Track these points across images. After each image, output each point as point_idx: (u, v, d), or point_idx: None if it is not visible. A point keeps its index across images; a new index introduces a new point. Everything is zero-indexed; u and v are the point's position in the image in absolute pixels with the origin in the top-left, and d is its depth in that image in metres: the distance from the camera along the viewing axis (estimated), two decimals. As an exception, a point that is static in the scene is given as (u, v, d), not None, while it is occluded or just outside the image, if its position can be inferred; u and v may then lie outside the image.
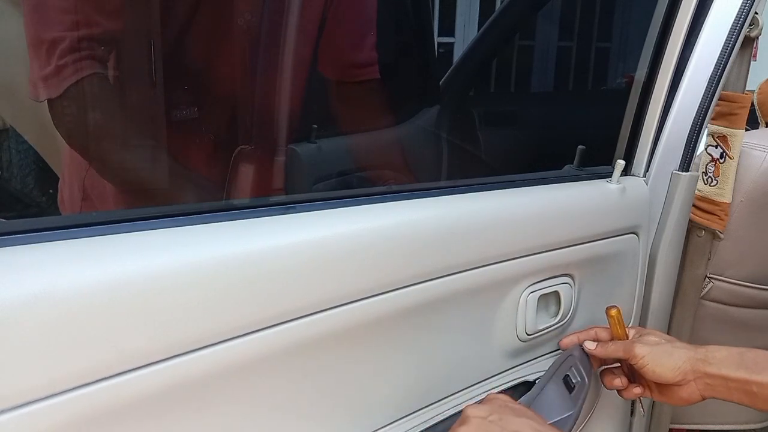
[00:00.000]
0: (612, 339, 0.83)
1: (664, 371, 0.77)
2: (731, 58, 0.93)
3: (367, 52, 1.11)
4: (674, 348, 0.79)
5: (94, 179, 0.92)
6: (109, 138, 0.89)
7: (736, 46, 0.93)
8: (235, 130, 0.99)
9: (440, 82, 1.70)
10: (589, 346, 0.82)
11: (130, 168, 0.90)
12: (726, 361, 0.75)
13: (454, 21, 3.55)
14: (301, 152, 1.04)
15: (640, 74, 0.97)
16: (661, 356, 0.77)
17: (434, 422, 0.77)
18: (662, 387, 0.79)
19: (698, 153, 1.00)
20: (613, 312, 0.82)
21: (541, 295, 0.85)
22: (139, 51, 0.88)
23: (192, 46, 0.94)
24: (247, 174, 0.95)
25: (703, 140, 1.00)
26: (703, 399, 0.77)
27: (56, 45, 0.81)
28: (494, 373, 0.85)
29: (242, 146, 0.96)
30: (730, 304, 1.10)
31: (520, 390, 0.86)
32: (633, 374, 0.83)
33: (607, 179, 0.92)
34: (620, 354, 0.80)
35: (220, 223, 0.60)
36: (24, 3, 0.84)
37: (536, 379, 0.85)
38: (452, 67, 1.75)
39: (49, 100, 0.84)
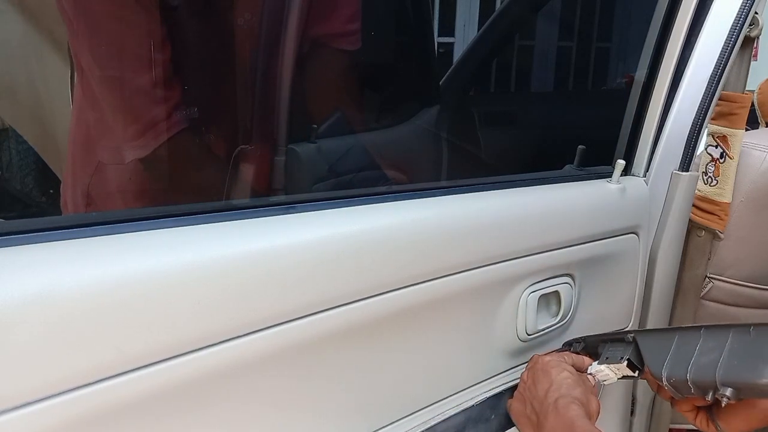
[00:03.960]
0: None
1: None
2: (731, 58, 0.93)
3: (346, 23, 1.09)
4: None
5: (99, 185, 0.92)
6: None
7: (736, 46, 0.93)
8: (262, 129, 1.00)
9: (440, 82, 1.70)
10: None
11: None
12: None
13: (454, 21, 3.55)
14: (301, 152, 1.04)
15: (640, 74, 0.97)
16: None
17: (435, 422, 0.77)
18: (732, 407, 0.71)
19: (698, 153, 1.00)
20: None
21: (541, 295, 0.85)
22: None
23: (208, 48, 0.94)
24: (249, 173, 0.95)
25: (703, 140, 1.00)
26: None
27: (140, 100, 0.81)
28: (495, 373, 0.85)
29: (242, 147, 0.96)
30: (730, 304, 1.10)
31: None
32: None
33: (607, 179, 0.92)
34: None
35: (220, 223, 0.60)
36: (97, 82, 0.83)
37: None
38: (452, 67, 1.76)
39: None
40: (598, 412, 0.74)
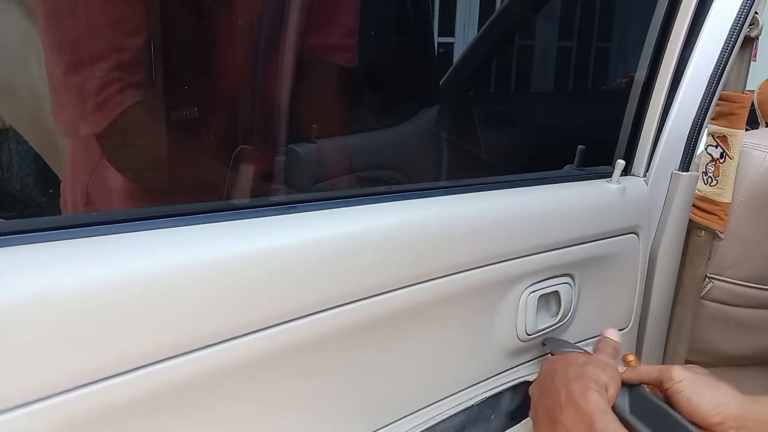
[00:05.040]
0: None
1: (703, 403, 0.63)
2: (731, 58, 0.93)
3: (342, 36, 1.09)
4: (720, 384, 0.65)
5: (98, 183, 0.92)
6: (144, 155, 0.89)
7: (736, 46, 0.93)
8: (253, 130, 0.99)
9: (440, 82, 1.70)
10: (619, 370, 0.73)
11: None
12: None
13: (454, 21, 3.55)
14: (300, 152, 1.04)
15: (640, 74, 0.97)
16: (703, 386, 0.65)
17: (435, 422, 0.77)
18: None
19: (698, 153, 1.00)
20: (630, 358, 0.75)
21: (541, 295, 0.85)
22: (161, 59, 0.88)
23: (201, 47, 0.94)
24: (247, 174, 0.95)
25: (703, 140, 1.00)
26: None
27: (91, 80, 0.81)
28: (495, 373, 0.85)
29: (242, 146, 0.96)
30: (730, 304, 1.10)
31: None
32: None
33: (607, 179, 0.92)
34: (654, 375, 0.70)
35: (221, 223, 0.60)
36: (46, 43, 0.83)
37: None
38: (452, 67, 1.76)
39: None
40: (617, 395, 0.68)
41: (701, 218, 1.03)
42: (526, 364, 0.89)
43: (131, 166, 0.90)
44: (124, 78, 0.82)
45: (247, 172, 0.95)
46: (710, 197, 1.02)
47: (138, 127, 0.87)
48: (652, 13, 0.96)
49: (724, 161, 1.00)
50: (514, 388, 0.86)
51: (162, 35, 0.87)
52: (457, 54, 1.86)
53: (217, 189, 0.93)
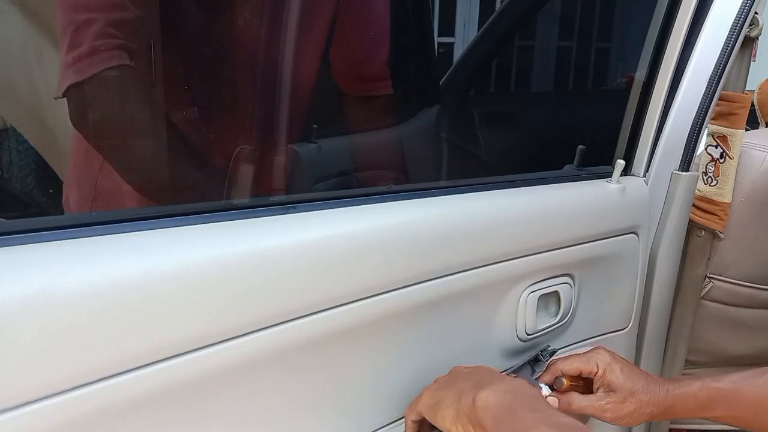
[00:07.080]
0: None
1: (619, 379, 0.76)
2: (731, 58, 0.93)
3: (379, 66, 1.09)
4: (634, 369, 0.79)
5: (108, 179, 0.91)
6: (125, 133, 0.88)
7: (736, 46, 0.93)
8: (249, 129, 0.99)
9: (440, 82, 1.70)
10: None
11: (141, 166, 0.89)
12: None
13: (454, 21, 3.55)
14: (301, 152, 1.04)
15: (640, 74, 0.97)
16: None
17: (434, 422, 0.77)
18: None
19: (698, 153, 1.00)
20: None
21: (541, 295, 0.85)
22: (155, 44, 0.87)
23: (203, 44, 0.94)
24: (247, 174, 0.95)
25: (703, 140, 1.00)
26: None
27: (88, 27, 0.80)
28: (494, 373, 0.85)
29: (242, 146, 0.96)
30: (730, 304, 1.10)
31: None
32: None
33: (607, 179, 0.92)
34: (575, 366, 0.78)
35: (220, 223, 0.60)
36: None
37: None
38: (452, 67, 1.76)
39: (70, 86, 0.82)
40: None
41: (701, 218, 1.03)
42: (526, 364, 0.89)
43: (104, 137, 0.87)
44: (119, 38, 0.81)
45: (245, 172, 0.95)
46: (710, 197, 1.02)
47: (121, 94, 0.85)
48: (652, 13, 0.96)
49: (724, 161, 1.00)
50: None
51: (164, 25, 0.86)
52: (457, 54, 1.86)
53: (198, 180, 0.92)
